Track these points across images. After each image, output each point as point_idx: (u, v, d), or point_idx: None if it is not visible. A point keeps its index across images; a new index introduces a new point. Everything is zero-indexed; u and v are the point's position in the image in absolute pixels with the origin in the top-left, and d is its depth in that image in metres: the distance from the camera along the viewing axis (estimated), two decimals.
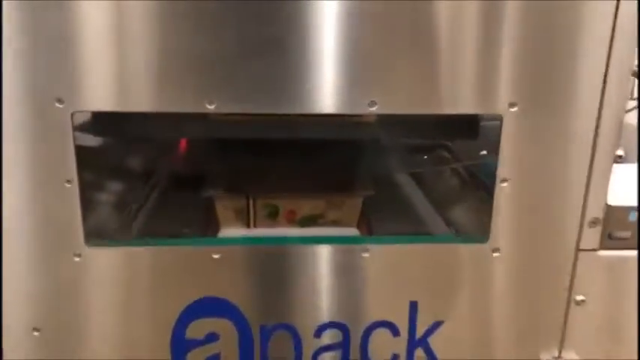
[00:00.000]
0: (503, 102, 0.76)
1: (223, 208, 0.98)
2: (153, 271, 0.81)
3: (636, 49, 0.75)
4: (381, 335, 0.85)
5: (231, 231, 0.95)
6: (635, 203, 0.81)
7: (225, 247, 0.81)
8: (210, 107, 0.73)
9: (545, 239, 0.82)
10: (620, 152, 1.02)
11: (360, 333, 0.85)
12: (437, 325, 0.85)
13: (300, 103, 0.74)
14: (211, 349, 0.83)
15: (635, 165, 0.92)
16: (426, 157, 1.29)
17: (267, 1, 0.70)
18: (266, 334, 0.84)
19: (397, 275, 0.83)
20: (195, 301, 0.81)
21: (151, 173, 1.10)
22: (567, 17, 0.73)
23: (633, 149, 1.05)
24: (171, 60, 0.72)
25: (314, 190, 1.00)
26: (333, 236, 0.91)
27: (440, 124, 0.91)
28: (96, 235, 0.81)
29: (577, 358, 0.86)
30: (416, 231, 0.94)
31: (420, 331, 0.85)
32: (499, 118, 0.76)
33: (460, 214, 1.05)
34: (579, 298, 0.84)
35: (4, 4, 0.69)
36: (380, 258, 0.82)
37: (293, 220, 0.99)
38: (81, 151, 0.75)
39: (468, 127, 0.90)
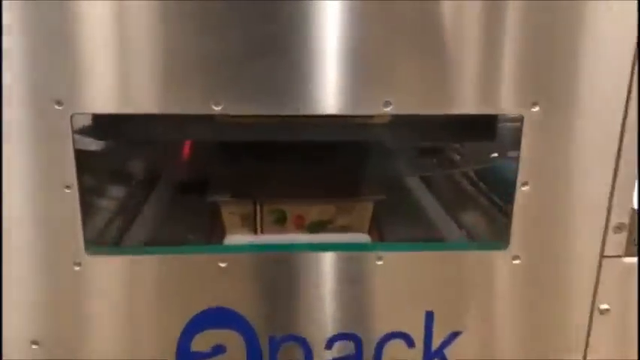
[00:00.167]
0: (524, 101, 0.72)
1: (229, 213, 0.94)
2: (156, 280, 0.78)
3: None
4: (395, 347, 0.81)
5: (237, 238, 0.92)
6: None
7: (231, 254, 0.78)
8: (217, 109, 0.70)
9: (567, 245, 0.79)
10: None
11: (374, 344, 0.81)
12: (454, 336, 0.81)
13: (310, 104, 0.71)
14: None
15: None
16: (436, 160, 1.26)
17: (274, 0, 0.67)
18: (275, 345, 0.80)
19: (412, 284, 0.79)
20: (201, 312, 0.78)
21: (153, 178, 1.07)
22: (592, 15, 0.70)
23: None
24: (176, 60, 0.69)
25: (323, 194, 0.96)
26: (344, 243, 0.87)
27: (455, 125, 0.88)
28: (97, 243, 0.78)
29: None
30: (430, 237, 0.91)
31: (436, 343, 0.81)
32: (519, 119, 0.72)
33: (473, 219, 1.02)
34: (603, 307, 0.81)
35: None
36: (394, 266, 0.78)
37: (301, 226, 0.95)
38: (81, 156, 0.72)
39: (485, 128, 0.86)
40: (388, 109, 0.71)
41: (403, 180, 1.09)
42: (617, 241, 0.78)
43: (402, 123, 0.85)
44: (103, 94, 0.70)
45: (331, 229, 0.96)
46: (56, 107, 0.69)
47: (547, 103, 0.72)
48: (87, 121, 0.80)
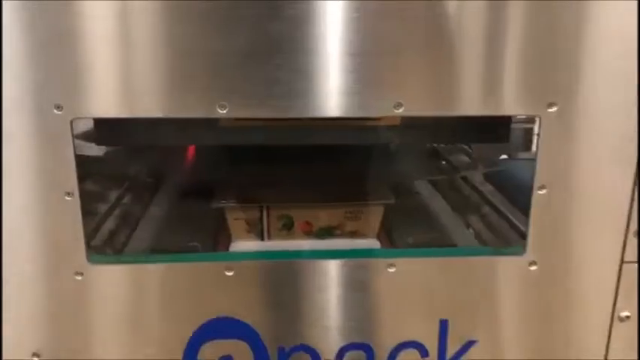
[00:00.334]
0: (540, 102, 0.69)
1: (235, 219, 0.92)
2: (161, 289, 0.76)
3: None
4: (408, 357, 0.79)
5: (243, 245, 0.89)
6: None
7: (238, 262, 0.76)
8: (222, 112, 0.68)
9: (586, 251, 0.76)
10: None
11: (386, 355, 0.79)
12: (469, 345, 0.79)
13: (319, 106, 0.68)
14: None
15: None
16: (445, 162, 1.23)
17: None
18: (284, 356, 0.78)
19: (425, 291, 0.77)
20: (208, 322, 0.76)
21: (157, 184, 1.05)
22: (608, 12, 0.67)
23: None
24: (179, 63, 0.66)
25: (331, 199, 0.93)
26: (354, 250, 0.85)
27: (467, 126, 0.85)
28: (99, 252, 0.77)
29: None
30: (443, 243, 0.88)
31: (450, 352, 0.79)
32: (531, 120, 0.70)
33: (486, 223, 0.99)
34: (624, 314, 0.78)
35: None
36: (407, 273, 0.76)
37: (309, 232, 0.93)
38: (82, 162, 0.70)
39: (499, 130, 0.84)
40: (399, 111, 0.69)
41: (412, 183, 1.06)
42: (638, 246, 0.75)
43: (413, 125, 0.82)
44: (104, 97, 0.68)
45: (340, 235, 0.93)
46: (55, 112, 0.67)
47: (564, 104, 0.70)
48: (88, 127, 0.77)
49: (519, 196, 0.97)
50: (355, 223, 0.94)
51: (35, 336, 0.76)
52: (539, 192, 0.72)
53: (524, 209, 0.78)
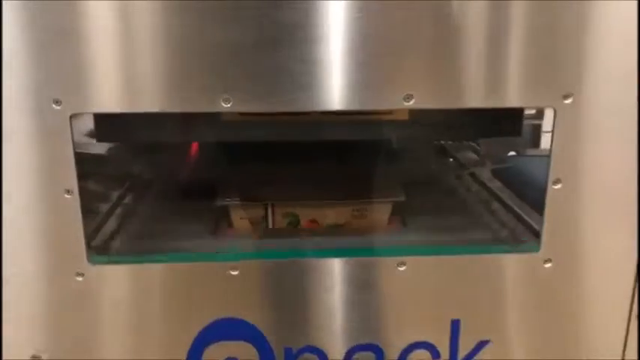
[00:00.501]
0: (556, 93, 0.67)
1: (239, 218, 0.89)
2: (164, 290, 0.74)
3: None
4: (418, 358, 0.77)
5: (248, 244, 0.87)
6: None
7: (242, 262, 0.73)
8: (226, 106, 0.65)
9: (603, 247, 0.74)
10: None
11: (396, 356, 0.77)
12: (482, 345, 0.77)
13: (326, 99, 0.66)
14: None
15: None
16: (452, 160, 1.21)
17: None
18: (291, 357, 0.76)
19: (437, 290, 0.75)
20: (212, 323, 0.74)
21: (160, 182, 1.02)
22: (627, 2, 0.65)
23: None
24: (181, 56, 0.64)
25: (338, 196, 0.91)
26: (364, 248, 0.82)
27: (478, 121, 0.83)
28: (100, 252, 0.75)
29: None
30: (454, 240, 0.85)
31: (462, 353, 0.77)
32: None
33: (499, 220, 0.96)
34: None
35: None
36: (417, 271, 0.74)
37: (315, 230, 0.90)
38: (82, 159, 0.68)
39: (510, 124, 0.81)
40: (410, 104, 0.66)
41: (422, 180, 1.03)
42: None
43: (423, 120, 0.80)
44: (104, 92, 0.65)
45: (347, 233, 0.91)
46: (54, 107, 0.65)
47: (580, 95, 0.67)
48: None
49: (529, 192, 0.95)
50: (363, 221, 0.91)
51: (35, 338, 0.74)
52: (554, 187, 0.70)
53: (534, 205, 0.76)
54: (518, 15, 0.65)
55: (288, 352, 0.76)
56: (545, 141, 1.29)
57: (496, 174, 1.10)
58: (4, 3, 0.61)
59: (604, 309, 0.76)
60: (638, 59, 0.66)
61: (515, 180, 1.04)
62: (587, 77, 0.67)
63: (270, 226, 0.89)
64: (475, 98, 0.67)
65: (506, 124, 0.82)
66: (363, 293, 0.74)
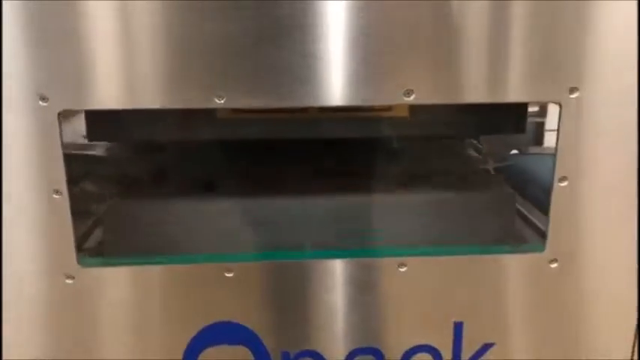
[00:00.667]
0: (562, 87, 0.65)
1: None
2: (156, 293, 0.72)
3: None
4: None
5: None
6: None
7: (238, 263, 0.71)
8: (220, 102, 0.63)
9: (610, 247, 0.72)
10: None
11: (397, 359, 0.74)
12: (486, 348, 0.75)
13: (325, 94, 0.64)
14: None
15: None
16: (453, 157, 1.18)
17: None
18: None
19: (439, 292, 0.73)
20: (207, 327, 0.73)
21: (152, 181, 0.99)
22: None
23: None
24: (173, 50, 0.62)
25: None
26: (363, 249, 0.80)
27: (480, 117, 0.81)
28: (90, 254, 0.73)
29: None
30: (456, 240, 0.83)
31: (466, 356, 0.75)
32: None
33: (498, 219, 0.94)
34: None
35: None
36: (419, 272, 0.72)
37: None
38: (71, 157, 0.66)
39: (514, 120, 0.79)
40: (410, 99, 0.64)
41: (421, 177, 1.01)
42: None
43: (425, 116, 0.78)
44: (93, 88, 0.63)
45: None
46: (41, 103, 0.63)
47: (586, 89, 0.65)
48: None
49: (533, 191, 0.93)
50: None
51: (24, 343, 0.72)
52: (560, 184, 0.68)
53: (538, 205, 0.74)
54: (521, 8, 0.63)
55: (285, 356, 0.74)
56: (548, 139, 1.27)
57: (499, 172, 1.07)
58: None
59: (612, 310, 0.74)
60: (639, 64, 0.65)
61: (518, 179, 1.02)
62: (593, 71, 0.65)
63: None
64: (477, 93, 0.65)
65: (510, 120, 0.80)
66: (363, 295, 0.72)
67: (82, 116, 0.79)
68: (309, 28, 0.62)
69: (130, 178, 0.95)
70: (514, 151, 1.25)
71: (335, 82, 0.63)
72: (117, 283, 0.71)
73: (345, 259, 0.71)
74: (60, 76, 0.62)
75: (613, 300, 0.73)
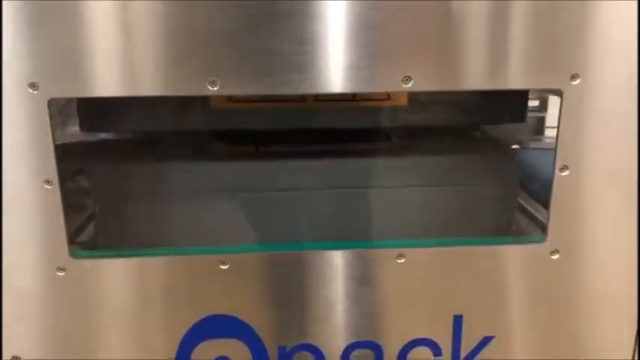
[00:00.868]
0: (563, 74, 0.64)
1: None
2: (149, 286, 0.70)
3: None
4: (419, 355, 0.74)
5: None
6: None
7: (233, 255, 0.70)
8: (213, 89, 0.62)
9: (612, 238, 0.70)
10: None
11: (396, 353, 0.74)
12: (486, 341, 0.74)
13: (321, 81, 0.63)
14: None
15: None
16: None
17: None
18: (285, 356, 0.73)
19: (438, 284, 0.72)
20: (202, 320, 0.71)
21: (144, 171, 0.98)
22: None
23: None
24: (164, 35, 0.61)
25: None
26: (361, 241, 0.79)
27: (480, 106, 0.79)
28: (82, 246, 0.72)
29: None
30: (457, 231, 0.82)
31: (465, 350, 0.74)
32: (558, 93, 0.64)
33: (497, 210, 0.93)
34: None
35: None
36: (417, 264, 0.70)
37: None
38: (62, 146, 0.65)
39: (515, 109, 0.78)
40: (408, 86, 0.63)
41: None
42: None
43: (424, 105, 0.77)
44: (83, 76, 0.62)
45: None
46: (30, 91, 0.61)
47: (588, 76, 0.64)
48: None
49: (533, 184, 0.92)
50: None
51: (14, 338, 0.70)
52: (561, 173, 0.67)
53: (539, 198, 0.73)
54: None
55: (282, 350, 0.73)
56: (549, 135, 1.26)
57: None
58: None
59: (613, 301, 0.73)
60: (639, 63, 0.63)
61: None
62: (595, 58, 0.64)
63: None
64: (477, 80, 0.64)
65: (510, 110, 0.79)
66: (360, 287, 0.71)
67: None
68: (305, 15, 0.60)
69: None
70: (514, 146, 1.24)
71: (332, 69, 0.62)
72: (109, 276, 0.69)
73: (342, 251, 0.70)
74: (49, 64, 0.61)
75: (614, 291, 0.72)
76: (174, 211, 0.82)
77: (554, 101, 0.80)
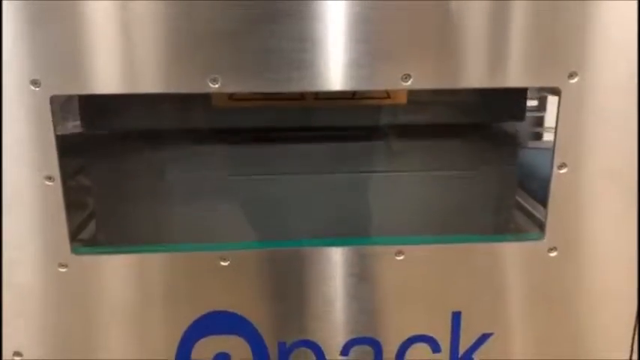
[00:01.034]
0: (561, 72, 0.64)
1: None
2: (150, 283, 0.70)
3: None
4: (418, 352, 0.74)
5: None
6: None
7: (233, 251, 0.70)
8: (214, 86, 0.62)
9: (610, 235, 0.70)
10: None
11: (394, 349, 0.74)
12: (484, 338, 0.74)
13: (321, 79, 0.63)
14: None
15: None
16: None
17: None
18: (285, 352, 0.73)
19: (437, 281, 0.72)
20: (202, 317, 0.71)
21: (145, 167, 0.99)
22: None
23: None
24: (165, 33, 0.61)
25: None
26: (360, 237, 0.79)
27: (479, 104, 0.80)
28: (84, 242, 0.72)
29: None
30: (456, 229, 0.82)
31: (464, 346, 0.74)
32: (557, 92, 0.64)
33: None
34: None
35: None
36: (416, 261, 0.71)
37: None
38: (64, 143, 0.65)
39: (514, 107, 0.78)
40: (407, 84, 0.63)
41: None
42: None
43: (421, 103, 0.77)
44: (85, 73, 0.62)
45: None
46: (32, 88, 0.61)
47: (586, 74, 0.64)
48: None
49: (532, 184, 0.92)
50: None
51: (16, 334, 0.70)
52: (559, 171, 0.67)
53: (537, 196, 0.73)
54: None
55: (281, 346, 0.73)
56: (547, 137, 1.26)
57: None
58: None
59: (612, 298, 0.73)
60: (639, 63, 0.64)
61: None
62: (593, 56, 0.64)
63: None
64: (476, 78, 0.64)
65: (509, 107, 0.79)
66: (359, 284, 0.71)
67: None
68: (305, 13, 0.61)
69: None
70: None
71: (332, 67, 0.62)
72: (110, 272, 0.69)
73: (341, 247, 0.70)
74: (51, 61, 0.61)
75: (612, 288, 0.72)
76: (172, 207, 0.82)
77: (552, 100, 0.80)
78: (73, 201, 0.71)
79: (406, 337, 0.73)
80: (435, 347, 0.73)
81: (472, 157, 0.84)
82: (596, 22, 0.63)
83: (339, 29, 0.61)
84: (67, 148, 0.66)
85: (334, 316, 0.73)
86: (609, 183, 0.68)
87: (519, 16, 0.62)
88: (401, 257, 0.70)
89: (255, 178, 0.83)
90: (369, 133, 0.83)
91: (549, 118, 1.23)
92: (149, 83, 0.62)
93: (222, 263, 0.69)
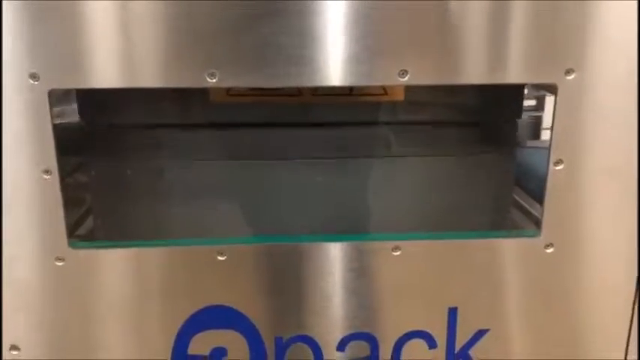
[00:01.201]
0: (558, 68, 0.64)
1: None
2: (147, 277, 0.71)
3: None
4: (414, 347, 0.74)
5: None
6: None
7: (230, 246, 0.70)
8: (211, 81, 0.62)
9: (606, 231, 0.71)
10: None
11: (391, 345, 0.74)
12: (480, 334, 0.74)
13: (319, 74, 0.63)
14: None
15: None
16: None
17: None
18: (282, 347, 0.73)
19: (433, 277, 0.72)
20: (199, 311, 0.72)
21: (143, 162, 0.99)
22: None
23: None
24: (163, 27, 0.61)
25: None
26: (357, 233, 0.80)
27: (475, 101, 0.80)
28: (81, 236, 0.71)
29: None
30: (453, 225, 0.82)
31: (460, 342, 0.74)
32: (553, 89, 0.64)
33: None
34: None
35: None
36: (413, 256, 0.71)
37: None
38: (61, 136, 0.65)
39: (510, 105, 0.78)
40: (404, 79, 0.63)
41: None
42: None
43: (418, 101, 0.77)
44: (83, 67, 0.62)
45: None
46: (31, 82, 0.62)
47: (583, 70, 0.64)
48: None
49: (529, 181, 0.93)
50: None
51: (13, 328, 0.71)
52: (556, 167, 0.67)
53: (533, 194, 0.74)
54: None
55: (278, 341, 0.73)
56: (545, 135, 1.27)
57: None
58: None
59: (609, 294, 0.73)
60: (639, 63, 0.64)
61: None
62: (590, 52, 0.64)
63: None
64: (473, 74, 0.64)
65: (506, 106, 0.79)
66: (356, 279, 0.71)
67: None
68: (304, 8, 0.61)
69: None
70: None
71: (329, 62, 0.62)
72: (107, 266, 0.70)
73: (338, 243, 0.70)
74: (50, 55, 0.61)
75: (608, 284, 0.72)
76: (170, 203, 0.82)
77: (550, 100, 0.80)
78: (70, 197, 0.71)
79: (403, 333, 0.73)
80: (432, 343, 0.74)
81: (470, 157, 0.84)
82: (593, 19, 0.63)
83: (338, 25, 0.62)
84: (63, 141, 0.66)
85: (331, 311, 0.73)
86: (605, 179, 0.69)
87: (516, 12, 0.63)
88: (398, 253, 0.70)
89: (254, 176, 0.83)
90: (367, 129, 0.83)
91: (548, 119, 1.24)
92: (147, 77, 0.63)
93: (220, 258, 0.69)
